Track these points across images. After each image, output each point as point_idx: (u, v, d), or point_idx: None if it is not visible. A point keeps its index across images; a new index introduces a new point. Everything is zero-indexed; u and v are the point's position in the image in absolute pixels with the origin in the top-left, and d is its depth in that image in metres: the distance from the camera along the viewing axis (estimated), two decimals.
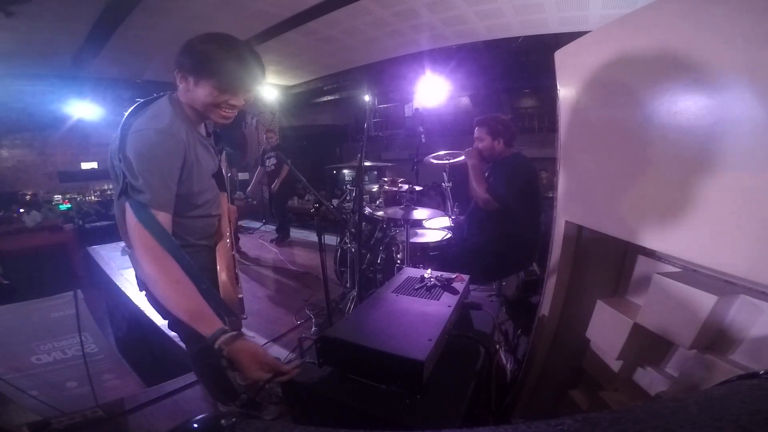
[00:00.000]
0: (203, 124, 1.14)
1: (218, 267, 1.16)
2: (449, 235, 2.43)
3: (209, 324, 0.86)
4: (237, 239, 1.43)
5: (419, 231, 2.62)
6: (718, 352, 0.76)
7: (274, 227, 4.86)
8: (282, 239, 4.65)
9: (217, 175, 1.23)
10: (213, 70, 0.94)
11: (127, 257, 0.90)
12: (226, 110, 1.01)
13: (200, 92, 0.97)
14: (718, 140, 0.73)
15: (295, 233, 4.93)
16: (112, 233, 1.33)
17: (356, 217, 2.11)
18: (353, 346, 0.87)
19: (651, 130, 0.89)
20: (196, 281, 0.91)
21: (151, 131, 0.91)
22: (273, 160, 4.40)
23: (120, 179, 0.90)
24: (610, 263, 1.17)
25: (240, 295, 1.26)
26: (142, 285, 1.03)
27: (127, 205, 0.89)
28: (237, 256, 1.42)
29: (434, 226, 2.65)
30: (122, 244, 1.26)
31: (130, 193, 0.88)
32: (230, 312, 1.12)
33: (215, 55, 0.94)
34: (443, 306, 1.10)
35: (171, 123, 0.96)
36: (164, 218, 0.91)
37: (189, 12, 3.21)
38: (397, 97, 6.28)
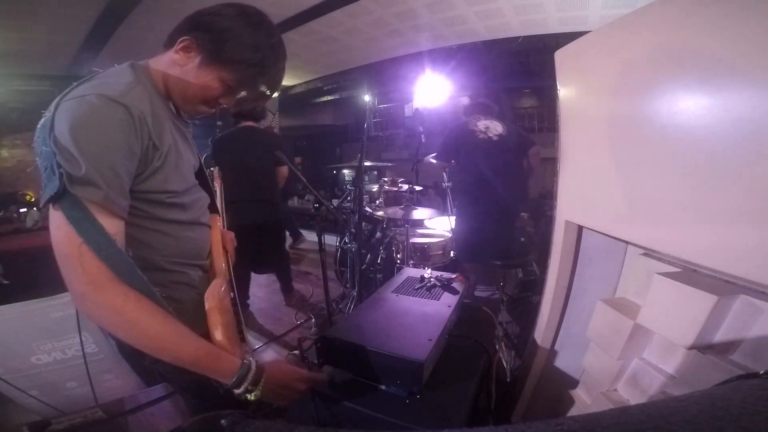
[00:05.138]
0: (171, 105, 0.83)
1: (210, 320, 0.72)
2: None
3: (227, 361, 0.63)
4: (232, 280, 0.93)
5: (419, 231, 2.62)
6: (718, 352, 0.76)
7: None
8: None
9: (201, 176, 0.90)
10: (234, 61, 0.73)
11: None
12: (206, 109, 0.80)
13: (201, 77, 0.75)
14: (718, 140, 0.73)
15: None
16: None
17: (356, 217, 2.11)
18: (353, 346, 0.87)
19: (651, 130, 0.89)
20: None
21: (93, 96, 0.59)
22: None
23: (51, 174, 0.56)
24: (610, 263, 1.17)
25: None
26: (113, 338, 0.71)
27: (52, 210, 0.57)
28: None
29: (434, 226, 2.65)
30: None
31: (69, 188, 0.55)
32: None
33: (252, 49, 0.74)
34: (443, 306, 1.10)
35: (126, 90, 0.65)
36: (114, 226, 0.59)
37: (189, 12, 3.21)
38: (397, 97, 6.25)
